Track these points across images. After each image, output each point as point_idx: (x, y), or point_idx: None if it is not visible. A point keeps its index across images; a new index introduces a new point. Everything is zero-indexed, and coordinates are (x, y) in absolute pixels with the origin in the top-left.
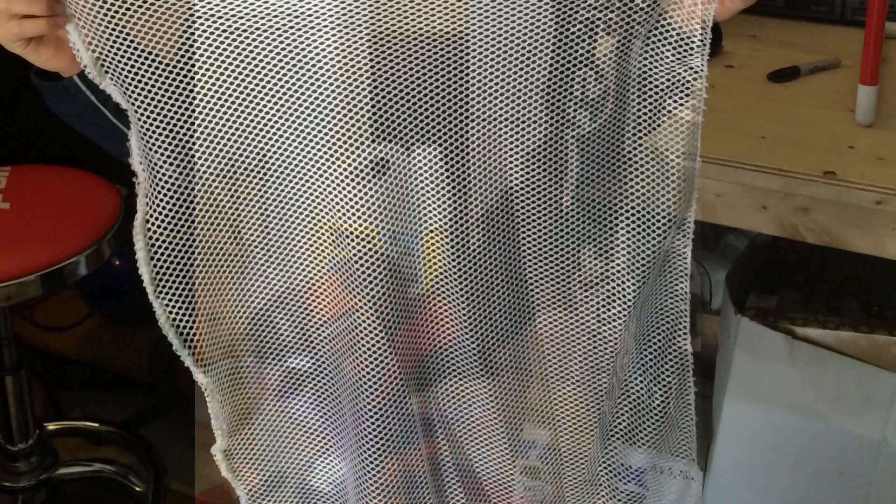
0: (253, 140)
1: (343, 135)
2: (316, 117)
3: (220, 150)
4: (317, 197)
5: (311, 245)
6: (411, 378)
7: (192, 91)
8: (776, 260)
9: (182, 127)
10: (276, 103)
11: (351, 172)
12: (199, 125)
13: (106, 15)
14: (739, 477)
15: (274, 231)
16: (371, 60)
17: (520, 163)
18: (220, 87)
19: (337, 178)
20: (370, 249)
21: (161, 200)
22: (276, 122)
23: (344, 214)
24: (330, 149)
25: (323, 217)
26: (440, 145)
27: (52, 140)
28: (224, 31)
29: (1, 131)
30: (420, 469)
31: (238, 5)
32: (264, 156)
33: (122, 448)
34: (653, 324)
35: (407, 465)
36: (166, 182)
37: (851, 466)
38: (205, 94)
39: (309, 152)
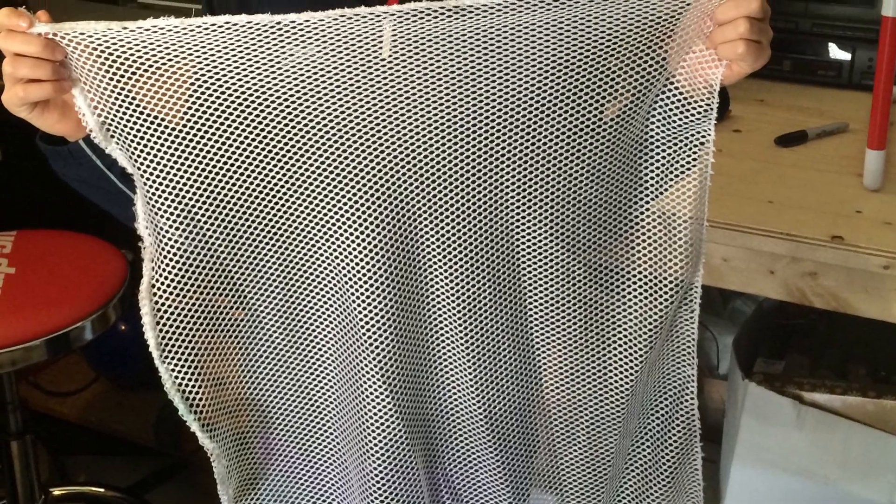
0: (259, 205)
1: (350, 200)
2: (322, 183)
3: (227, 216)
4: (323, 262)
5: (317, 310)
6: (417, 442)
7: (198, 156)
8: (783, 325)
9: (188, 192)
10: (282, 169)
11: (358, 238)
12: (205, 190)
13: (112, 79)
14: None
15: (279, 296)
16: (379, 125)
17: (526, 228)
18: (227, 152)
19: (344, 244)
20: (377, 314)
21: (167, 265)
22: (282, 187)
23: (350, 280)
24: (336, 215)
25: (329, 283)
26: (447, 211)
27: (58, 204)
28: (230, 96)
29: (6, 196)
30: None
31: (245, 71)
32: (270, 221)
33: None
34: (660, 388)
35: None
36: (172, 247)
37: None
38: (211, 160)
39: (315, 218)
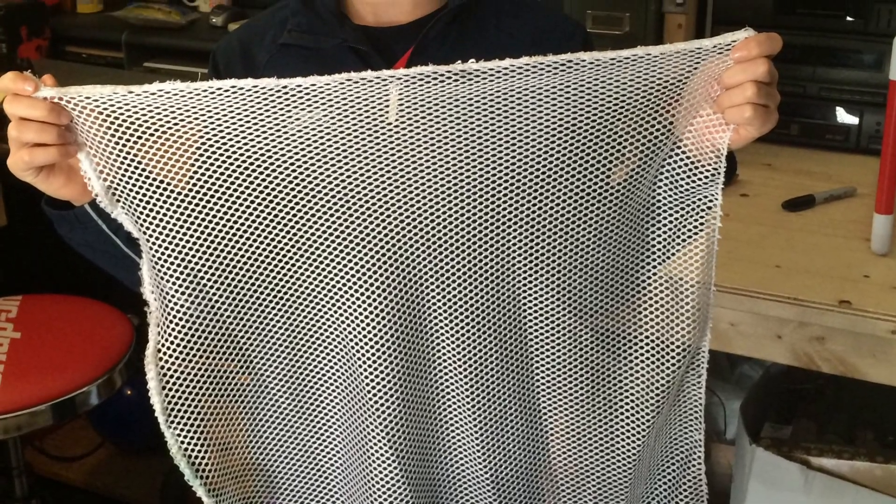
0: (265, 269)
1: (356, 264)
2: (328, 247)
3: (232, 280)
4: (329, 327)
5: (323, 375)
6: None
7: (203, 220)
8: (791, 389)
9: (194, 256)
10: (288, 233)
11: (364, 303)
12: (211, 255)
13: (118, 144)
14: None
15: (285, 361)
16: (385, 190)
17: (532, 292)
18: (233, 216)
19: (350, 308)
20: (383, 379)
21: (173, 330)
22: (288, 252)
23: (356, 345)
24: (342, 279)
25: (335, 347)
26: (453, 275)
27: (63, 269)
28: (236, 160)
29: (12, 260)
30: None
31: (251, 135)
32: (276, 285)
33: None
34: (667, 453)
35: None
36: (178, 311)
37: None
38: (216, 224)
39: (321, 282)
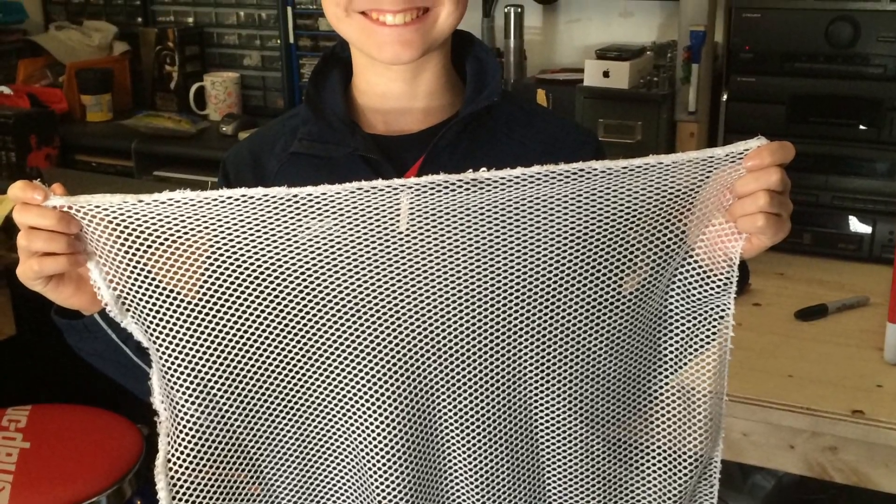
0: (276, 379)
1: (367, 374)
2: (339, 357)
3: (243, 390)
4: (340, 437)
5: (334, 485)
6: None
7: (214, 330)
8: (804, 500)
9: (204, 366)
10: (298, 343)
11: (375, 412)
12: (222, 364)
13: (127, 253)
14: None
15: (296, 471)
16: (396, 299)
17: (544, 402)
18: (243, 325)
19: (361, 418)
20: (394, 489)
21: (183, 440)
22: (298, 361)
23: (367, 454)
24: (353, 388)
25: (346, 457)
26: (464, 385)
27: (73, 378)
28: (247, 269)
29: (21, 370)
30: None
31: (261, 244)
32: (287, 395)
33: None
34: None
35: None
36: (188, 421)
37: None
38: (227, 333)
39: (332, 392)
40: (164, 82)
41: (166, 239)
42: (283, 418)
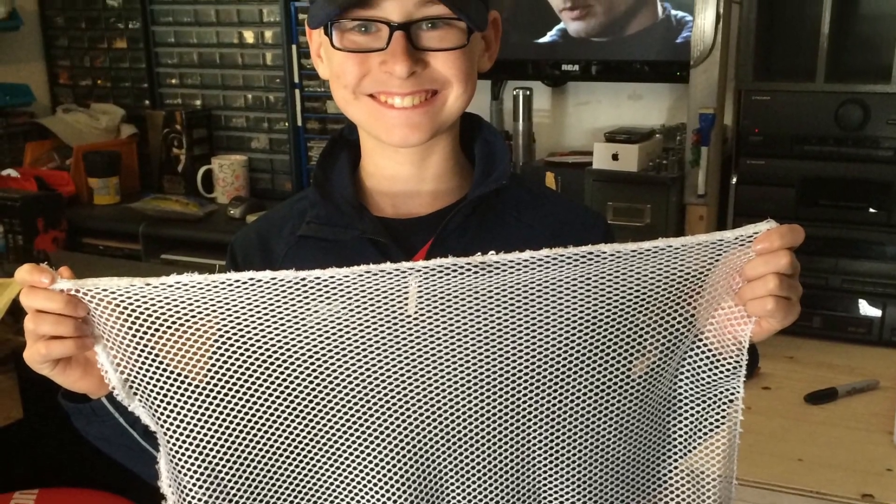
0: (283, 463)
1: (374, 458)
2: (347, 440)
3: (251, 474)
4: None
5: None
6: None
7: (221, 413)
8: None
9: (212, 450)
10: (306, 426)
11: (382, 497)
12: (229, 448)
13: (135, 336)
14: None
15: None
16: (404, 382)
17: (552, 485)
18: (251, 409)
19: (370, 502)
20: None
21: None
22: (306, 445)
23: None
24: (361, 472)
25: None
26: (472, 468)
27: (80, 462)
28: (254, 352)
29: (28, 453)
30: None
31: (269, 327)
32: (294, 479)
33: None
34: None
35: None
36: None
37: None
38: (234, 417)
39: (339, 475)
40: (172, 165)
41: (174, 322)
42: (291, 502)
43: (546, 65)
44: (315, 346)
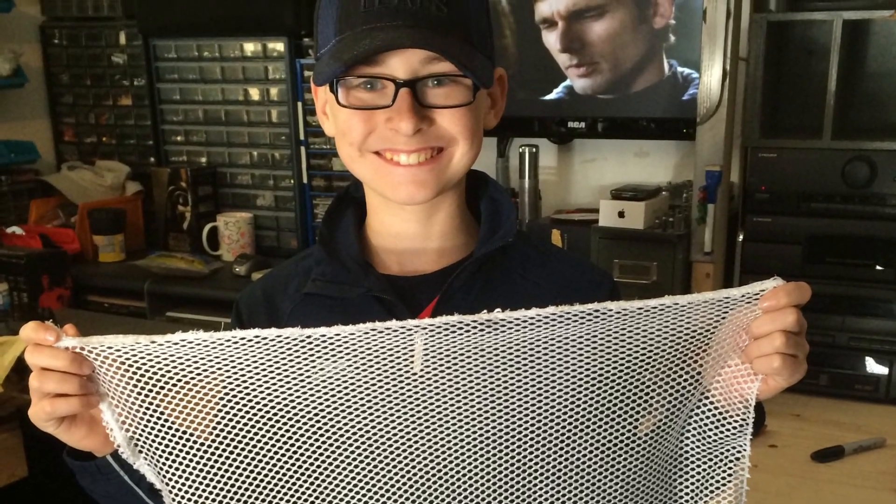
0: None
1: None
2: (353, 498)
3: None
4: None
5: None
6: None
7: (227, 471)
8: None
9: None
10: (312, 483)
11: None
12: None
13: (140, 394)
14: None
15: None
16: (410, 440)
17: None
18: (256, 466)
19: None
20: None
21: None
22: (312, 502)
23: None
24: None
25: None
26: None
27: None
28: (260, 410)
29: None
30: None
31: (275, 385)
32: None
33: None
34: None
35: None
36: None
37: None
38: (240, 475)
39: None
40: (177, 222)
41: (179, 380)
42: None
43: (552, 122)
44: (320, 404)
